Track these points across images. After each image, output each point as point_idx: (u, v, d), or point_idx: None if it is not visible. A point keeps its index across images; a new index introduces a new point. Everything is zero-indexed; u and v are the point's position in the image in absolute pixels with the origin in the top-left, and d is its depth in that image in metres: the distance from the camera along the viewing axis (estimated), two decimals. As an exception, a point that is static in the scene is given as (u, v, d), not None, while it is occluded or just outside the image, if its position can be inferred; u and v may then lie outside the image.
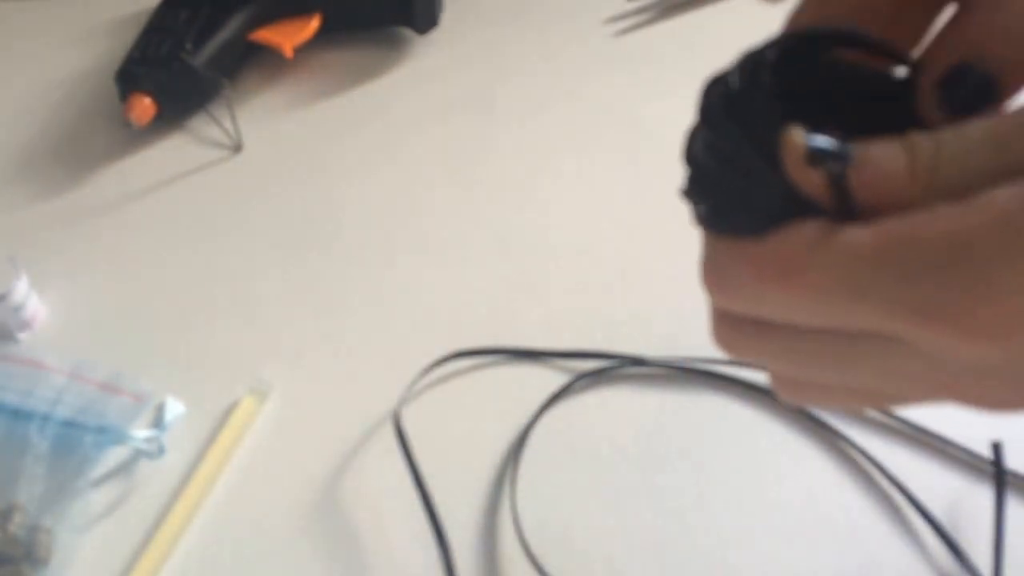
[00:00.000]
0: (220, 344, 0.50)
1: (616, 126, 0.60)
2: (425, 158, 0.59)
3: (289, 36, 0.62)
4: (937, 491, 0.41)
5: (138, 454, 0.44)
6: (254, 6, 0.63)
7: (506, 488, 0.43)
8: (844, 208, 0.19)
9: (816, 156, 0.19)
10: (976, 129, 0.18)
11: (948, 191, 0.18)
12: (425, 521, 0.41)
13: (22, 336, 0.50)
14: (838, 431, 0.43)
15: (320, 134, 0.61)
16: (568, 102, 0.62)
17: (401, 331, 0.49)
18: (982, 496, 0.41)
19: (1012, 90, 0.20)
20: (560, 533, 0.41)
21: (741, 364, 0.46)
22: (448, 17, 0.67)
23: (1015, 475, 0.41)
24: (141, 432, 0.44)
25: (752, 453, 0.43)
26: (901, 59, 0.22)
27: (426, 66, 0.65)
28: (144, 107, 0.59)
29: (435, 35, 0.66)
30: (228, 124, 0.61)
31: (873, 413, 0.44)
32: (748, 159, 0.20)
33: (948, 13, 0.22)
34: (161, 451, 0.44)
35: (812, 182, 0.19)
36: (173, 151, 0.61)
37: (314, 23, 0.63)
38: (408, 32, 0.67)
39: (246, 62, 0.65)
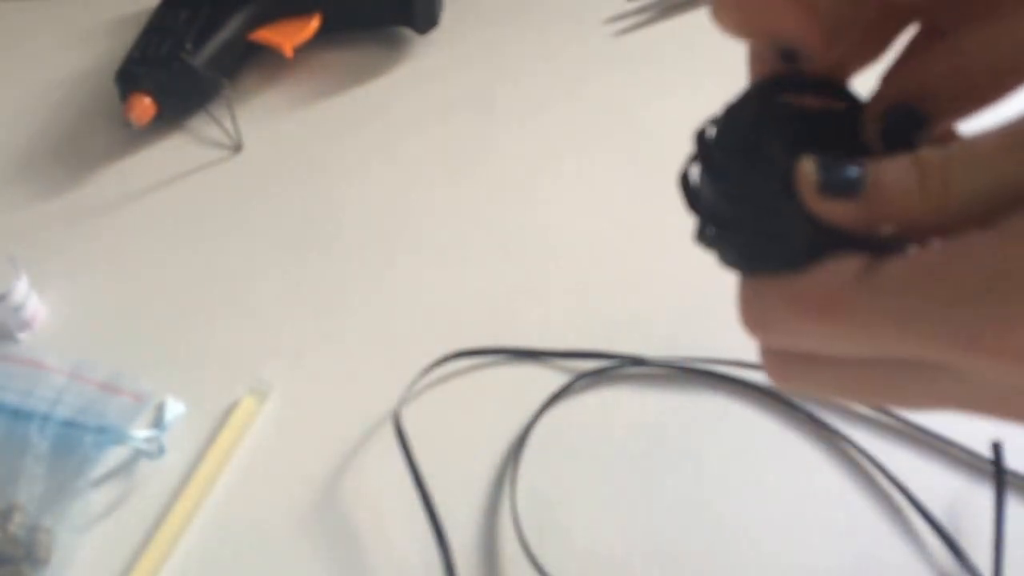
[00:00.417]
0: (220, 344, 0.50)
1: (616, 126, 0.60)
2: (425, 158, 0.59)
3: (289, 36, 0.62)
4: (937, 491, 0.41)
5: (138, 454, 0.44)
6: (254, 6, 0.63)
7: (506, 488, 0.43)
8: (868, 230, 0.20)
9: (831, 184, 0.19)
10: (985, 143, 0.18)
11: (960, 206, 0.18)
12: (425, 521, 0.41)
13: (22, 336, 0.50)
14: (838, 431, 0.43)
15: (320, 134, 0.61)
16: (568, 102, 0.62)
17: (401, 331, 0.49)
18: (982, 496, 0.41)
19: (945, 125, 0.22)
20: (560, 533, 0.41)
21: (744, 366, 0.46)
22: (448, 17, 0.67)
23: (1015, 475, 0.41)
24: (141, 432, 0.44)
25: (752, 453, 0.43)
26: (845, 96, 0.23)
27: (426, 66, 0.65)
28: (144, 107, 0.59)
29: (435, 35, 0.66)
30: (228, 124, 0.61)
31: (873, 413, 0.44)
32: (765, 197, 0.21)
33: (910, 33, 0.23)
34: (161, 451, 0.44)
35: (832, 210, 0.19)
36: (173, 151, 0.61)
37: (314, 23, 0.63)
38: (408, 32, 0.67)
39: (246, 62, 0.65)
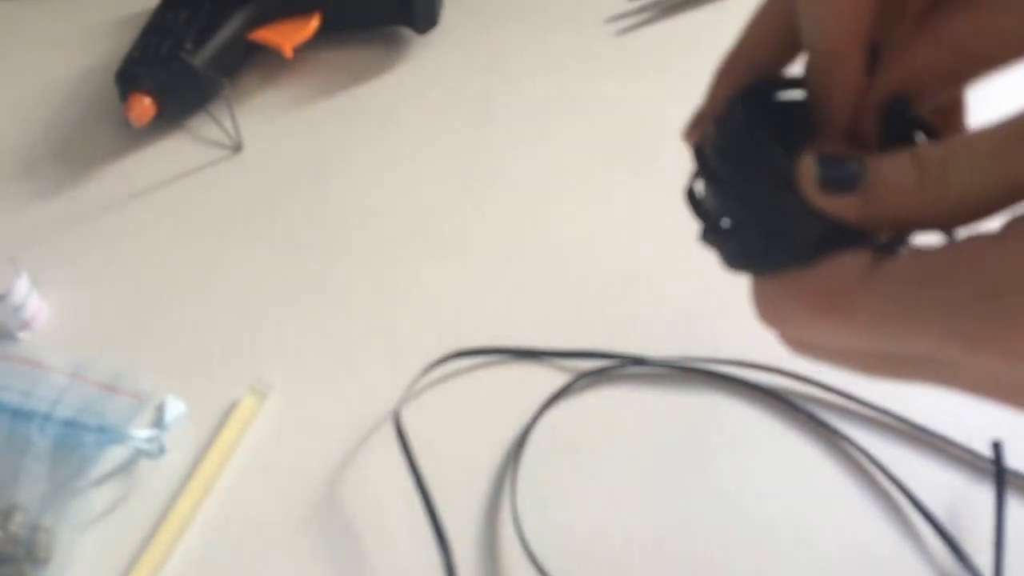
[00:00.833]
0: (220, 344, 0.50)
1: (616, 125, 0.59)
2: (425, 158, 0.59)
3: (289, 36, 0.62)
4: (938, 490, 0.41)
5: (138, 454, 0.44)
6: (254, 6, 0.63)
7: (506, 488, 0.43)
8: (871, 225, 0.20)
9: (831, 180, 0.19)
10: (984, 138, 0.19)
11: (958, 200, 0.19)
12: (425, 521, 0.41)
13: (22, 336, 0.50)
14: (838, 431, 0.43)
15: (320, 134, 0.61)
16: (568, 101, 0.62)
17: (401, 331, 0.49)
18: (982, 495, 0.41)
19: (946, 98, 0.22)
20: (560, 533, 0.41)
21: (744, 366, 0.46)
22: (448, 17, 0.67)
23: (1015, 474, 0.41)
24: (141, 432, 0.44)
25: (752, 453, 0.43)
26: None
27: (426, 66, 0.65)
28: (144, 107, 0.59)
29: (435, 35, 0.66)
30: (228, 124, 0.61)
31: (873, 413, 0.44)
32: (768, 195, 0.21)
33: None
34: (161, 451, 0.44)
35: (833, 205, 0.20)
36: (173, 151, 0.61)
37: (314, 23, 0.63)
38: (408, 32, 0.67)
39: (246, 62, 0.65)
